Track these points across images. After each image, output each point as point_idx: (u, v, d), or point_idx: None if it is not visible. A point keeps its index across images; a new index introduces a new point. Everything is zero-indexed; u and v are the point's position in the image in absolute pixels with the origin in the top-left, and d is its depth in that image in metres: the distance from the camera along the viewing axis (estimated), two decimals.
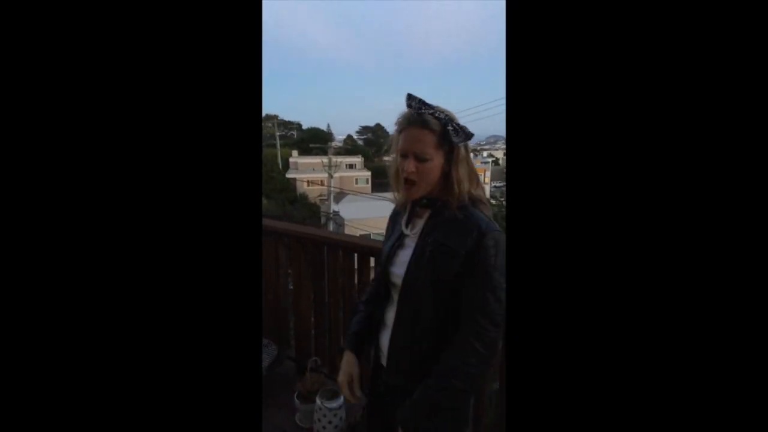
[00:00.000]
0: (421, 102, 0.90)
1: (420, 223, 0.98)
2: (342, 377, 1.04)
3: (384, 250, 1.05)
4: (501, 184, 35.39)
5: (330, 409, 1.58)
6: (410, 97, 0.91)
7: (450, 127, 0.89)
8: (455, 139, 0.89)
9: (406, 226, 1.00)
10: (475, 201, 0.95)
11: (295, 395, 1.72)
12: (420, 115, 0.89)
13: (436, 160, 0.91)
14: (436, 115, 0.89)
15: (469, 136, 0.91)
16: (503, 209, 8.52)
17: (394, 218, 1.08)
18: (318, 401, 1.60)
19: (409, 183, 0.92)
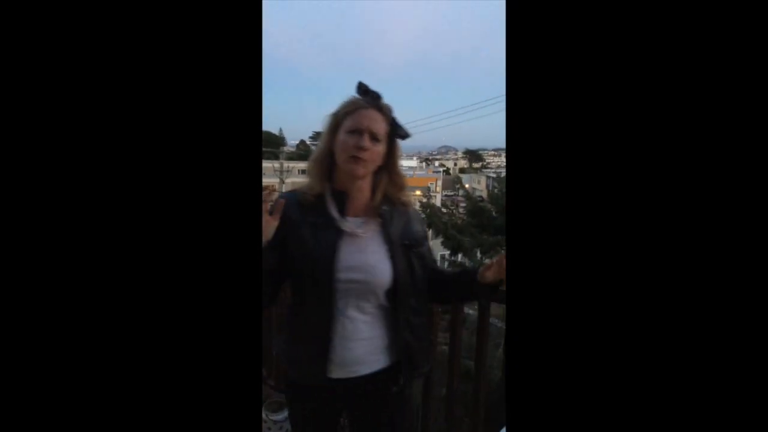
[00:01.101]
0: (374, 92, 0.93)
1: (360, 223, 0.94)
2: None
3: (318, 252, 0.90)
4: (452, 193, 36.41)
5: (275, 422, 1.54)
6: (361, 85, 0.93)
7: (396, 120, 0.94)
8: (399, 132, 0.94)
9: (342, 216, 0.93)
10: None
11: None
12: (375, 99, 0.92)
13: (382, 147, 0.93)
14: (386, 106, 0.94)
15: (407, 135, 0.96)
16: (453, 217, 8.77)
17: (302, 208, 0.94)
18: (263, 414, 1.56)
19: (356, 160, 0.89)
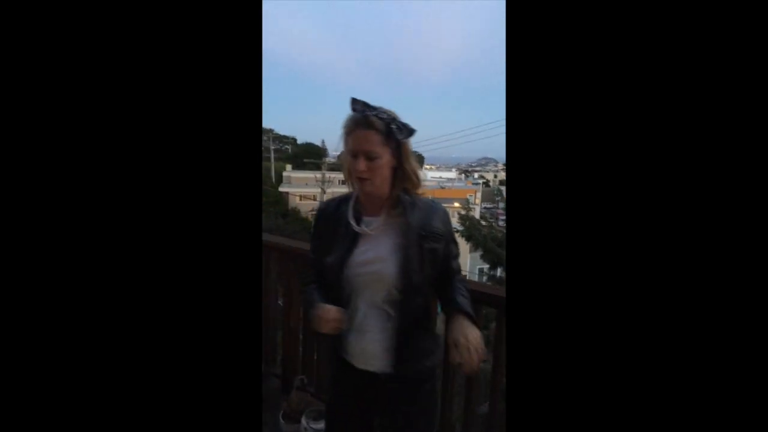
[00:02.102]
0: (365, 105, 0.96)
1: (377, 221, 1.01)
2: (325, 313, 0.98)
3: (335, 256, 1.01)
4: (491, 206, 35.63)
5: (316, 430, 1.54)
6: (354, 101, 0.97)
7: (393, 126, 0.95)
8: (399, 136, 0.96)
9: (357, 224, 1.02)
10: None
11: (280, 414, 1.68)
12: (365, 116, 0.95)
13: (385, 158, 0.97)
14: (380, 115, 0.95)
15: (410, 132, 0.98)
16: (492, 230, 8.56)
17: (331, 219, 1.06)
18: (303, 421, 1.57)
19: (361, 180, 0.98)
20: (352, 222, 1.02)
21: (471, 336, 0.92)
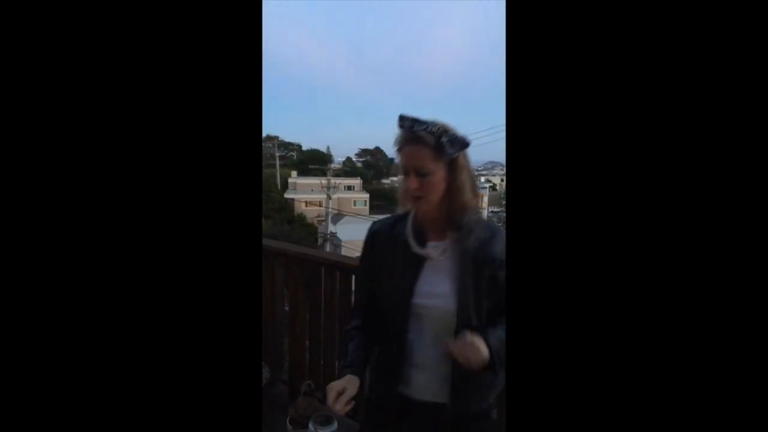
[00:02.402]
0: (414, 120, 0.93)
1: (443, 245, 0.97)
2: (336, 387, 0.95)
3: (399, 282, 0.98)
4: (498, 210, 35.49)
5: None
6: (402, 118, 0.94)
7: (444, 139, 0.91)
8: (449, 151, 0.92)
9: (421, 246, 0.98)
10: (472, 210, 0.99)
11: (288, 420, 1.68)
12: (413, 132, 0.92)
13: (438, 173, 0.92)
14: (429, 129, 0.91)
15: (464, 145, 0.94)
16: None
17: (388, 241, 1.03)
18: (311, 426, 1.56)
19: (414, 198, 0.95)
20: (414, 243, 0.98)
21: (472, 352, 0.86)
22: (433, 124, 0.92)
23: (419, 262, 0.97)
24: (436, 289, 0.96)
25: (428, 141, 0.91)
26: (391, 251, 1.01)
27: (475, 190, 0.98)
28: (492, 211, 32.47)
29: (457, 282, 0.95)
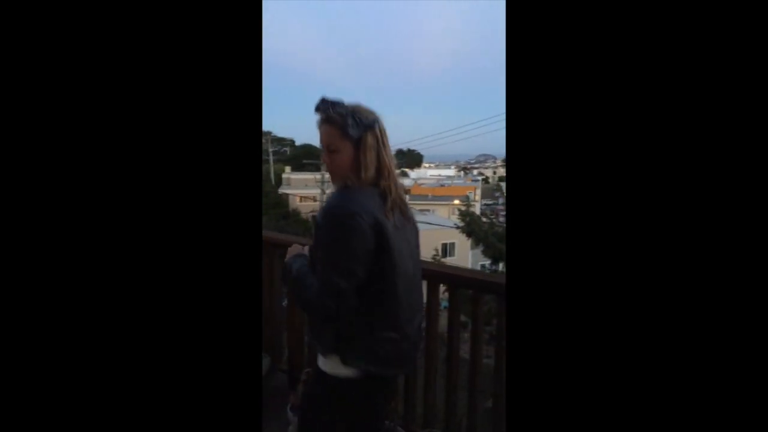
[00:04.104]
0: (330, 102, 1.03)
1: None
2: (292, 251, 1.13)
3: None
4: (491, 202, 35.51)
5: None
6: (321, 101, 1.04)
7: (349, 120, 1.00)
8: (353, 131, 1.00)
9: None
10: (384, 190, 1.03)
11: (288, 407, 1.73)
12: (326, 113, 1.02)
13: (345, 151, 1.02)
14: (338, 111, 1.01)
15: (366, 127, 1.01)
16: (494, 226, 8.57)
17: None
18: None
19: (330, 173, 1.07)
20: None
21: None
22: (344, 106, 1.01)
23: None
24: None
25: (337, 121, 1.01)
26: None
27: (384, 171, 1.03)
28: (485, 204, 32.41)
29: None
